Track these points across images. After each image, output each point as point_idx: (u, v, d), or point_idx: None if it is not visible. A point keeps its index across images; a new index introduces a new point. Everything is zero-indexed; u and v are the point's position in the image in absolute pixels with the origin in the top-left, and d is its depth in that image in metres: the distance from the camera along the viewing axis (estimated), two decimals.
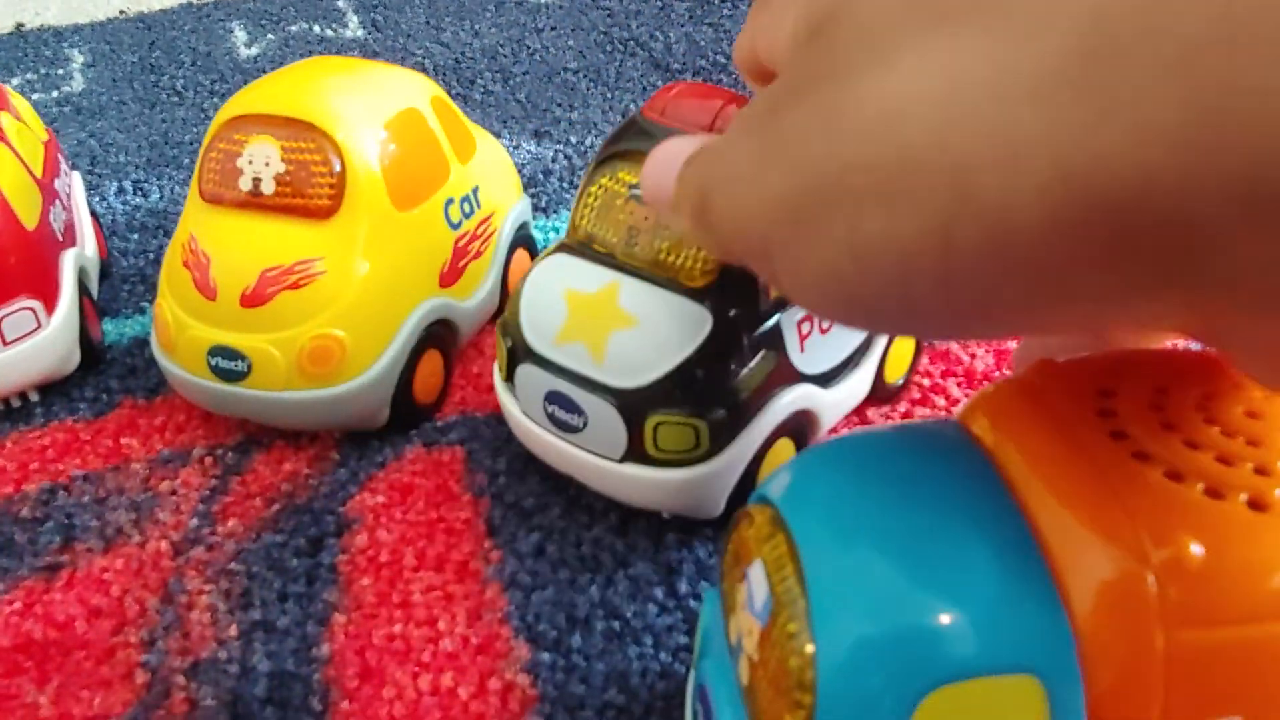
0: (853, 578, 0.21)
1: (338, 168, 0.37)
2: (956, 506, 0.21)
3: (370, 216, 0.38)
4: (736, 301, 0.32)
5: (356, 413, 0.39)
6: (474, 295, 0.43)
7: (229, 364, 0.37)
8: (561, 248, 0.35)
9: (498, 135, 0.58)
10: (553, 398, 0.34)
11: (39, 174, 0.44)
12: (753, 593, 0.23)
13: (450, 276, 0.41)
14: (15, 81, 0.71)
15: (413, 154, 0.40)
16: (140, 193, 0.56)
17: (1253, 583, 0.19)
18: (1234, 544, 0.19)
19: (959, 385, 0.41)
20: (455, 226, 0.41)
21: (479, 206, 0.43)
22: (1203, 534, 0.19)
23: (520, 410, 0.36)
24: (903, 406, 0.40)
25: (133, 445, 0.40)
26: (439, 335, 0.41)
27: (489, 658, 0.32)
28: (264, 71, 0.70)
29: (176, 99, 0.67)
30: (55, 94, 0.68)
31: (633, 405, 0.32)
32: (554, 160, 0.58)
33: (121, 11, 0.82)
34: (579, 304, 0.33)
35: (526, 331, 0.34)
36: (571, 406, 0.33)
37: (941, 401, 0.40)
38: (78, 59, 0.73)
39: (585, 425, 0.33)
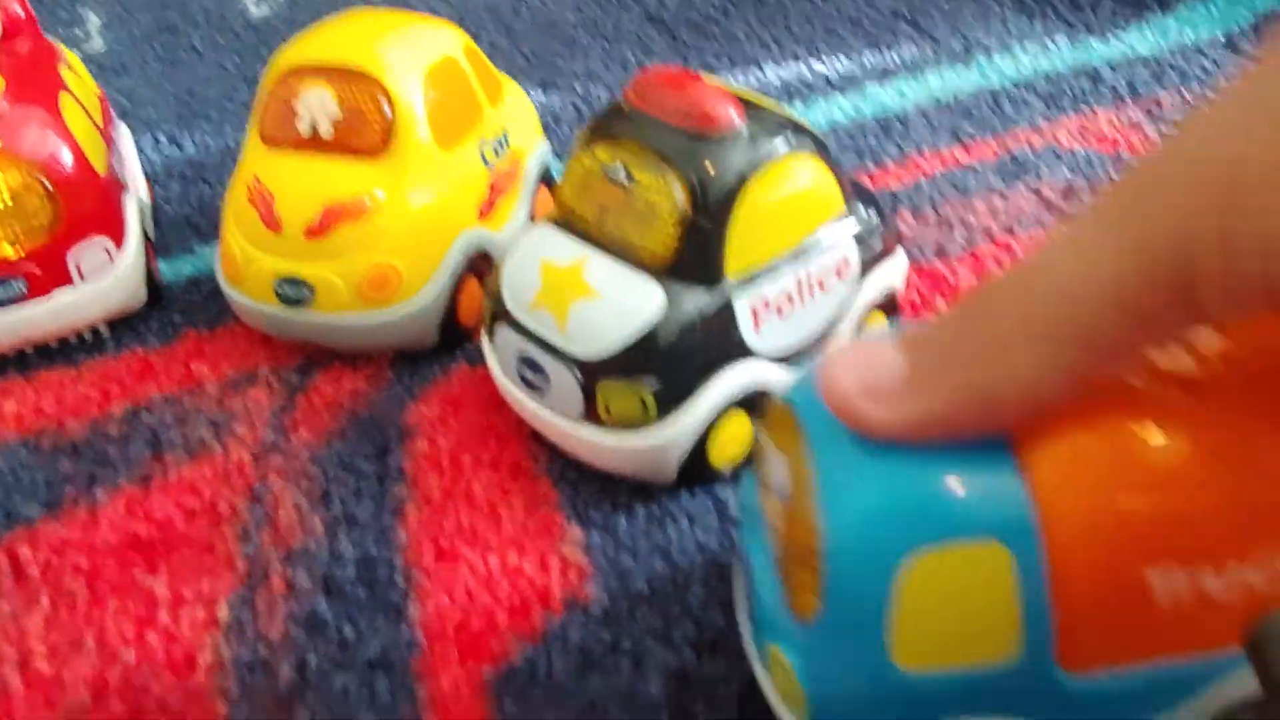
0: (850, 465, 0.24)
1: (388, 112, 0.41)
2: None
3: (418, 155, 0.42)
4: (691, 281, 0.35)
5: (409, 334, 0.43)
6: (506, 228, 0.47)
7: (294, 291, 0.41)
8: (549, 219, 0.38)
9: None
10: (523, 359, 0.37)
11: (99, 124, 0.47)
12: (777, 476, 0.27)
13: (486, 210, 0.45)
14: None
15: (451, 98, 0.44)
16: (175, 145, 0.60)
17: (1180, 451, 0.22)
18: (1164, 419, 0.22)
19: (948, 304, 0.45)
20: (489, 164, 0.45)
21: (508, 146, 0.47)
22: (1152, 414, 0.22)
23: (498, 367, 0.39)
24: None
25: (202, 370, 0.44)
26: (478, 264, 0.45)
27: (547, 539, 0.36)
28: (276, 31, 0.73)
29: (196, 57, 0.70)
30: (78, 54, 0.71)
31: (588, 373, 0.35)
32: (562, 109, 0.62)
33: None
34: (551, 274, 0.36)
35: (505, 295, 0.37)
36: (538, 369, 0.36)
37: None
38: (94, 21, 0.76)
39: (549, 388, 0.36)
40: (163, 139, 0.60)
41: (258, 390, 0.43)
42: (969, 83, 0.63)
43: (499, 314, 0.38)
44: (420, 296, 0.42)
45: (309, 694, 0.32)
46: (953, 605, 0.23)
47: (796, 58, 0.67)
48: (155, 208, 0.54)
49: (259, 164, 0.42)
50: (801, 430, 0.26)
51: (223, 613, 0.34)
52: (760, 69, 0.66)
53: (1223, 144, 0.19)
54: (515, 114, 0.49)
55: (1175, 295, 0.19)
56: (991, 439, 0.23)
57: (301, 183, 0.41)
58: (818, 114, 0.60)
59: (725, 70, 0.66)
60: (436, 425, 0.41)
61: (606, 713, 0.31)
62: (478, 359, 0.44)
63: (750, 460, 0.36)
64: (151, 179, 0.56)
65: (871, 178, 0.55)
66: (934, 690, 0.24)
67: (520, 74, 0.66)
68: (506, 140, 0.47)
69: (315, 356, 0.45)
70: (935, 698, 0.24)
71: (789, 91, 0.63)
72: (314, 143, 0.42)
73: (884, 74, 0.65)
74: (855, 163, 0.56)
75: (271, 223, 0.41)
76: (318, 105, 0.41)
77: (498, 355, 0.39)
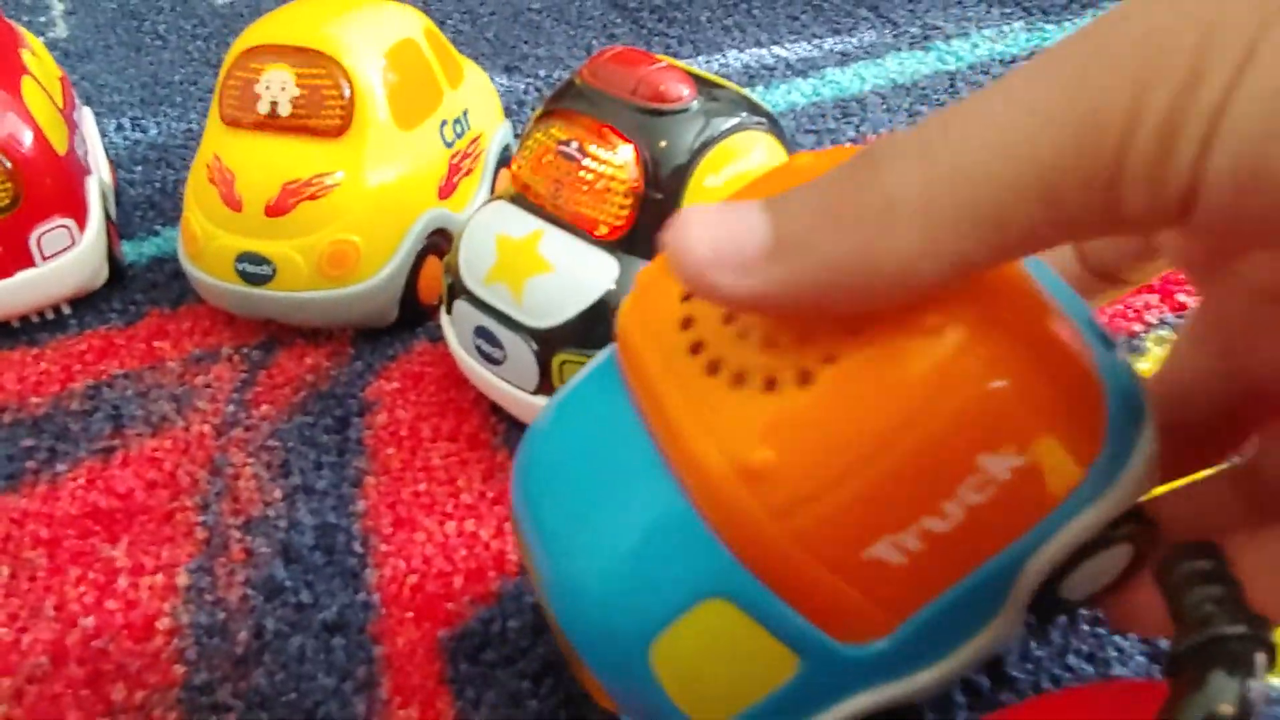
0: (569, 573, 0.24)
1: (347, 92, 0.42)
2: (612, 466, 0.24)
3: (377, 134, 0.42)
4: (645, 254, 0.36)
5: (370, 310, 0.43)
6: (467, 208, 0.47)
7: (255, 268, 0.42)
8: (504, 194, 0.39)
9: None
10: (480, 332, 0.38)
11: (61, 106, 0.48)
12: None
13: (446, 190, 0.46)
14: None
15: (411, 79, 0.44)
16: (139, 129, 0.60)
17: (821, 453, 0.20)
18: (794, 427, 0.20)
19: None
20: (449, 145, 0.46)
21: (469, 127, 0.48)
22: (766, 429, 0.20)
23: (456, 340, 0.40)
24: None
25: (165, 348, 0.45)
26: (438, 244, 0.45)
27: (504, 506, 0.37)
28: (240, 16, 0.73)
29: (160, 43, 0.70)
30: (41, 39, 0.71)
31: (544, 343, 0.36)
32: (526, 92, 0.63)
33: None
34: (506, 248, 0.37)
35: (463, 270, 0.38)
36: (495, 341, 0.37)
37: None
38: (58, 6, 0.76)
39: (505, 359, 0.37)
40: (126, 123, 0.60)
41: (220, 366, 0.44)
42: (926, 67, 0.64)
43: (456, 288, 0.38)
44: (380, 274, 0.43)
45: (266, 656, 0.32)
46: (715, 665, 0.23)
47: (759, 43, 0.68)
48: (118, 190, 0.54)
49: (219, 143, 0.43)
50: (525, 531, 0.25)
51: (181, 579, 0.35)
52: (723, 53, 0.67)
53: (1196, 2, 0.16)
54: (476, 96, 0.49)
55: (1100, 184, 0.17)
56: (674, 501, 0.22)
57: (261, 162, 0.42)
58: (777, 97, 0.61)
59: (688, 55, 0.67)
60: (396, 399, 0.42)
61: (560, 672, 0.32)
62: (439, 336, 0.45)
63: None
64: (115, 162, 0.57)
65: None
66: None
67: (485, 59, 0.67)
68: (467, 121, 0.48)
69: (277, 334, 0.45)
70: None
71: (750, 75, 0.64)
72: (273, 123, 0.42)
73: (843, 58, 0.65)
74: (813, 144, 0.57)
75: (232, 201, 0.42)
76: (277, 85, 0.42)
77: (455, 329, 0.39)
